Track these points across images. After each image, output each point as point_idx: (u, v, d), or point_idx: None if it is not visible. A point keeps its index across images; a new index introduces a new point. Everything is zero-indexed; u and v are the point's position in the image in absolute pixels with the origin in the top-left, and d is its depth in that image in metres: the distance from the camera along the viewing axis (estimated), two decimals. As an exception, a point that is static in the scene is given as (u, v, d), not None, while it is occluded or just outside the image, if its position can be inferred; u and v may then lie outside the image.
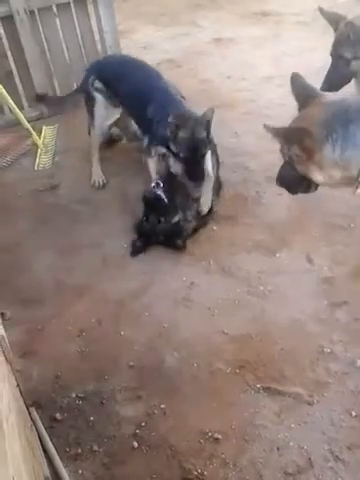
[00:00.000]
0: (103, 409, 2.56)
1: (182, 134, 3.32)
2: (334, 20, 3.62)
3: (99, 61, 4.33)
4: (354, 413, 2.44)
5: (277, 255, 3.29)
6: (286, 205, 3.65)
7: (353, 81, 3.68)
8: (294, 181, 2.58)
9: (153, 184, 3.45)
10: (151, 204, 3.41)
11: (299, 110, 2.50)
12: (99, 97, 3.94)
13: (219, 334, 2.85)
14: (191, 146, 3.32)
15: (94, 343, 2.88)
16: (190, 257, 3.35)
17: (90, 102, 4.00)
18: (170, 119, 3.31)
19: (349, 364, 2.65)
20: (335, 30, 3.63)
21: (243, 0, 6.23)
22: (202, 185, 3.42)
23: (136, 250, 3.41)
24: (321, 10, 3.66)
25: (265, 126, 2.36)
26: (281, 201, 3.68)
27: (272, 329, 2.85)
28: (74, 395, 2.62)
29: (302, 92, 2.52)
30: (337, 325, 2.84)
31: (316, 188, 2.60)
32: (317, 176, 2.45)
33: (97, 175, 4.09)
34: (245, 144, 4.27)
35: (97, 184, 4.06)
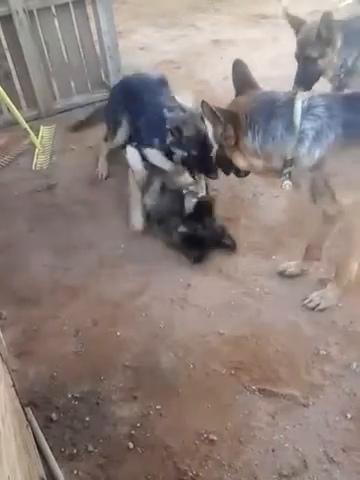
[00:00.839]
0: (99, 409, 2.56)
1: (187, 133, 3.35)
2: (296, 23, 3.87)
3: (123, 81, 4.36)
4: (349, 415, 2.45)
5: (273, 257, 3.29)
6: (282, 207, 3.66)
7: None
8: (225, 164, 2.69)
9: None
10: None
11: (236, 96, 2.58)
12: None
13: (215, 335, 2.86)
14: (200, 141, 3.33)
15: (90, 343, 2.88)
16: (186, 258, 3.34)
17: (117, 120, 4.05)
18: (168, 126, 3.33)
19: (345, 367, 2.66)
20: (296, 33, 3.88)
21: (242, 3, 6.23)
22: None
23: (197, 259, 3.32)
24: (286, 13, 3.87)
25: (203, 103, 2.46)
26: (278, 203, 3.70)
27: (268, 331, 2.86)
28: (70, 395, 2.62)
29: (241, 79, 2.61)
30: (333, 328, 2.85)
31: (245, 173, 2.72)
32: (240, 162, 2.56)
33: (102, 167, 4.20)
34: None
35: (100, 176, 4.15)
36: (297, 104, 2.38)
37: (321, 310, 2.92)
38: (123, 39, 5.86)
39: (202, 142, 3.31)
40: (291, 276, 3.13)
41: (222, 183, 3.88)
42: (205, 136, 3.21)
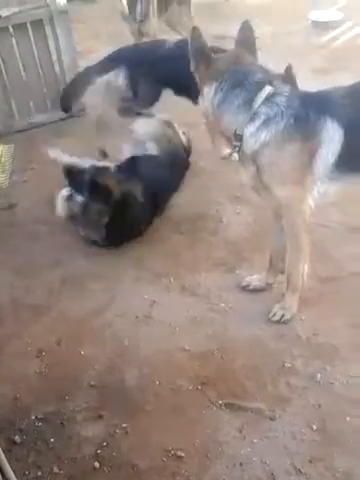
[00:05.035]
0: (63, 430, 2.50)
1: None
2: None
3: None
4: (315, 427, 2.46)
5: (237, 272, 3.31)
6: (246, 223, 3.70)
7: None
8: None
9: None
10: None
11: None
12: None
13: (181, 351, 2.84)
14: None
15: (54, 363, 2.83)
16: (151, 275, 3.34)
17: None
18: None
19: (309, 378, 2.67)
20: None
21: (202, 23, 6.30)
22: None
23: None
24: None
25: (194, 28, 2.57)
26: (240, 219, 3.74)
27: (233, 345, 2.86)
28: (34, 417, 2.56)
29: (244, 42, 2.71)
30: (297, 340, 2.87)
31: None
32: (201, 103, 2.70)
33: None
34: (206, 164, 4.32)
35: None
36: (266, 88, 2.53)
37: (287, 321, 2.94)
38: (83, 59, 5.84)
39: None
40: (255, 290, 3.15)
41: (184, 200, 3.92)
42: None
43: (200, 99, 2.70)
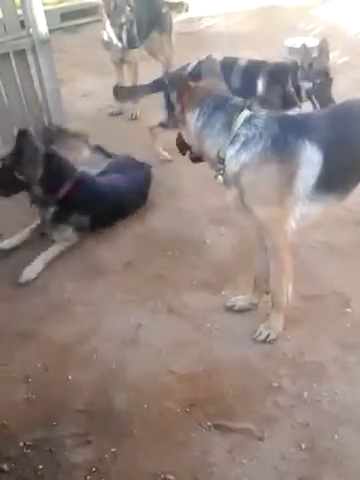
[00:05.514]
0: (52, 457, 2.48)
1: (316, 66, 4.10)
2: None
3: None
4: (304, 445, 2.47)
5: (222, 293, 3.33)
6: (229, 245, 3.73)
7: None
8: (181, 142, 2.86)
9: None
10: None
11: None
12: None
13: (168, 373, 2.84)
14: (325, 72, 4.13)
15: (41, 389, 2.81)
16: (137, 298, 3.35)
17: None
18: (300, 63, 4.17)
19: (297, 397, 2.69)
20: None
21: (183, 51, 6.40)
22: None
23: None
24: None
25: (167, 74, 2.71)
26: (224, 241, 3.78)
27: (220, 366, 2.87)
28: (21, 444, 2.53)
29: (210, 73, 2.87)
30: (284, 359, 2.89)
31: (196, 158, 2.86)
32: (184, 133, 2.77)
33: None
34: (190, 186, 4.37)
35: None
36: (244, 111, 2.61)
37: (273, 341, 2.96)
38: (65, 87, 5.95)
39: (326, 73, 4.15)
40: (241, 310, 3.17)
41: (168, 222, 3.95)
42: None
43: (182, 127, 2.75)
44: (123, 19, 5.29)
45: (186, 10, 6.52)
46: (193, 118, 2.65)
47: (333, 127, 2.70)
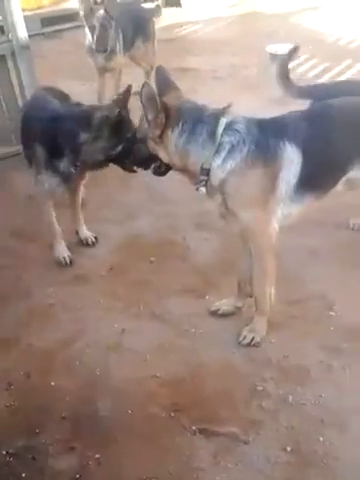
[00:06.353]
0: (35, 464, 2.45)
1: None
2: None
3: None
4: (289, 448, 2.46)
5: (206, 297, 3.33)
6: (213, 249, 3.74)
7: None
8: (146, 158, 2.82)
9: None
10: None
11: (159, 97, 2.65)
12: None
13: (152, 378, 2.83)
14: None
15: (24, 396, 2.78)
16: (120, 303, 3.33)
17: None
18: None
19: (281, 401, 2.69)
20: None
21: (165, 57, 6.43)
22: None
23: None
24: None
25: (145, 84, 2.57)
26: (207, 245, 3.78)
27: (205, 370, 2.86)
28: (4, 452, 2.50)
29: (164, 83, 2.77)
30: (268, 363, 2.89)
31: (166, 169, 2.82)
32: (161, 153, 2.70)
33: None
34: (173, 191, 4.35)
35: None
36: (222, 119, 2.59)
37: (257, 344, 2.96)
38: (46, 92, 5.90)
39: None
40: (225, 315, 3.17)
41: (152, 228, 3.95)
42: None
43: (161, 152, 2.69)
44: (94, 21, 5.28)
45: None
46: (174, 136, 2.60)
47: (311, 127, 2.72)
